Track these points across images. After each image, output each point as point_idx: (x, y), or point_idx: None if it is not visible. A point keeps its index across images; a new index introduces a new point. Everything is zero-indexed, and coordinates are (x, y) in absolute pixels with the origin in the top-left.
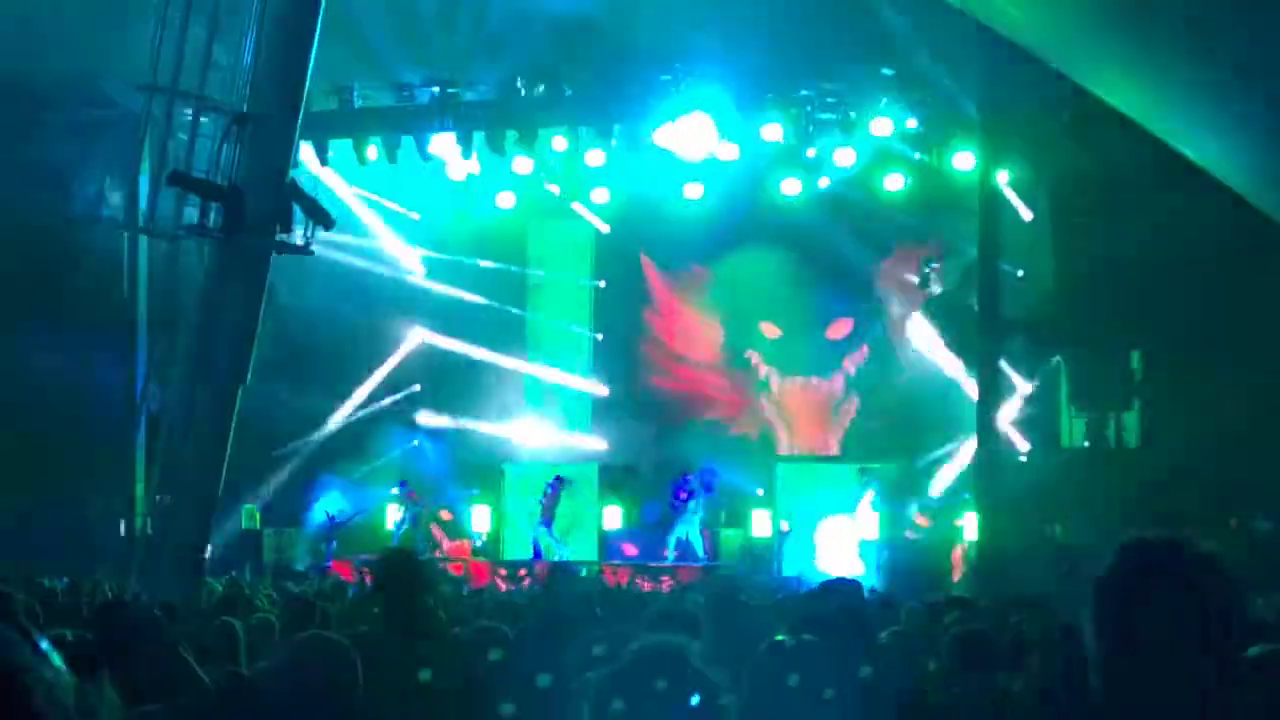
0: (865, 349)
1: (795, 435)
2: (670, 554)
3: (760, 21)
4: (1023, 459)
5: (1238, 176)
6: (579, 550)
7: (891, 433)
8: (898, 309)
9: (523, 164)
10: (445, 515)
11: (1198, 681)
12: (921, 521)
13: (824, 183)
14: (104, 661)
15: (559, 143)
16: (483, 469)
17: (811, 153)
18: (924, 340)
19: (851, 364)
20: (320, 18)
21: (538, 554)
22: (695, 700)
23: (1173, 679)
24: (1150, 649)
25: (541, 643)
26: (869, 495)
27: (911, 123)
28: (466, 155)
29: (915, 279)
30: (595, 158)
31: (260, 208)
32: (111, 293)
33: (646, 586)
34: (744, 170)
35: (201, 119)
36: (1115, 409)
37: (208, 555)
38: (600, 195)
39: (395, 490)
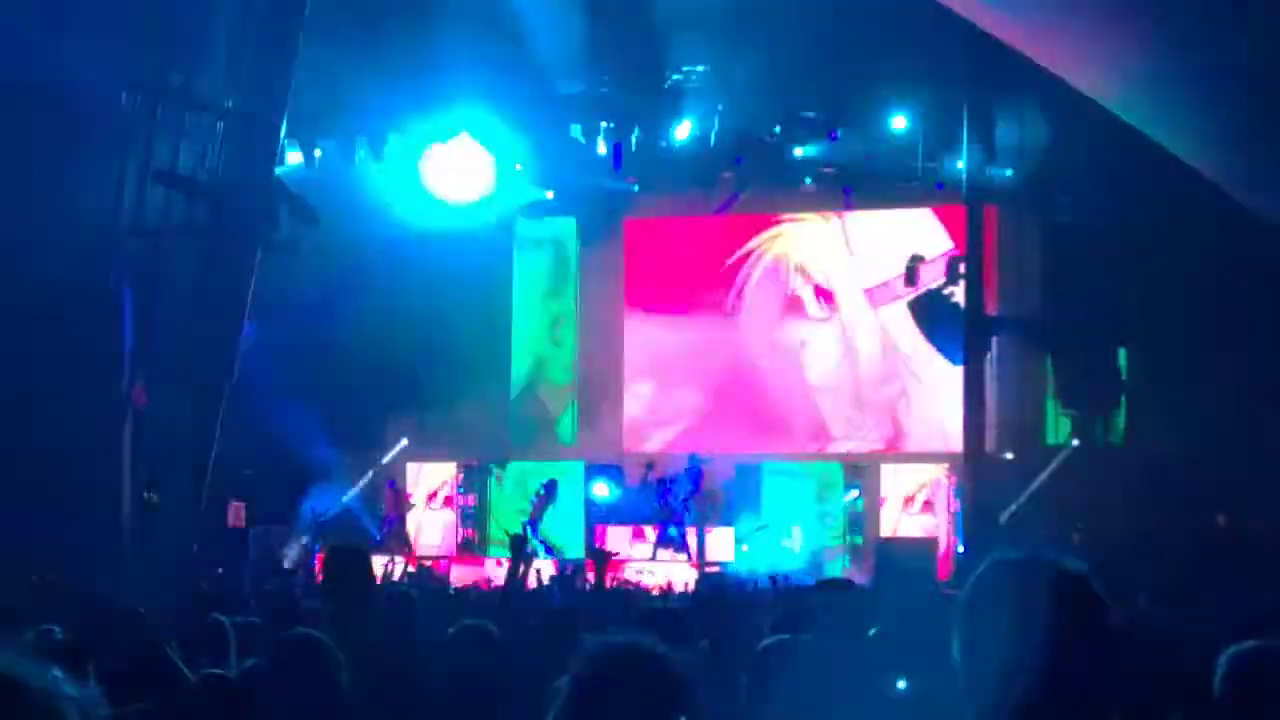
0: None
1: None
2: (660, 553)
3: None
4: (1008, 457)
5: (1225, 174)
6: (566, 549)
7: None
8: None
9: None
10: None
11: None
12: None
13: (809, 178)
14: (89, 659)
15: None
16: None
17: (799, 151)
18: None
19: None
20: (305, 14)
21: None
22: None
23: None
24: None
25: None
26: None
27: (899, 121)
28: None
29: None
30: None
31: (246, 206)
32: (96, 291)
33: (636, 585)
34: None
35: (186, 117)
36: (1102, 407)
37: (194, 553)
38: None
39: (387, 489)
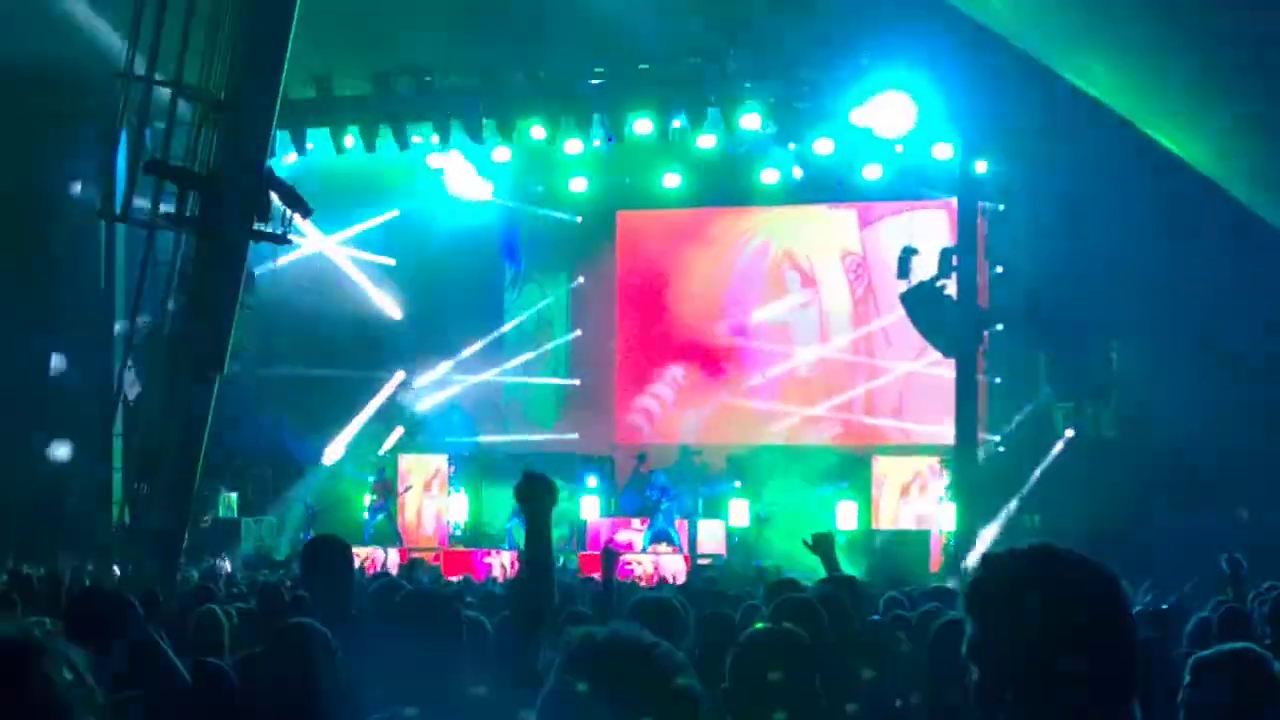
0: None
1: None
2: (649, 546)
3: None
4: (1000, 449)
5: (1216, 167)
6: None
7: None
8: None
9: (501, 153)
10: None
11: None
12: None
13: (798, 172)
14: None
15: (537, 132)
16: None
17: (792, 146)
18: None
19: None
20: (298, 4)
21: (512, 545)
22: None
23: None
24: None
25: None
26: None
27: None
28: (444, 145)
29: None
30: (574, 147)
31: (237, 196)
32: (88, 281)
33: (626, 577)
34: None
35: (178, 107)
36: (1094, 399)
37: (185, 544)
38: (578, 184)
39: (371, 480)
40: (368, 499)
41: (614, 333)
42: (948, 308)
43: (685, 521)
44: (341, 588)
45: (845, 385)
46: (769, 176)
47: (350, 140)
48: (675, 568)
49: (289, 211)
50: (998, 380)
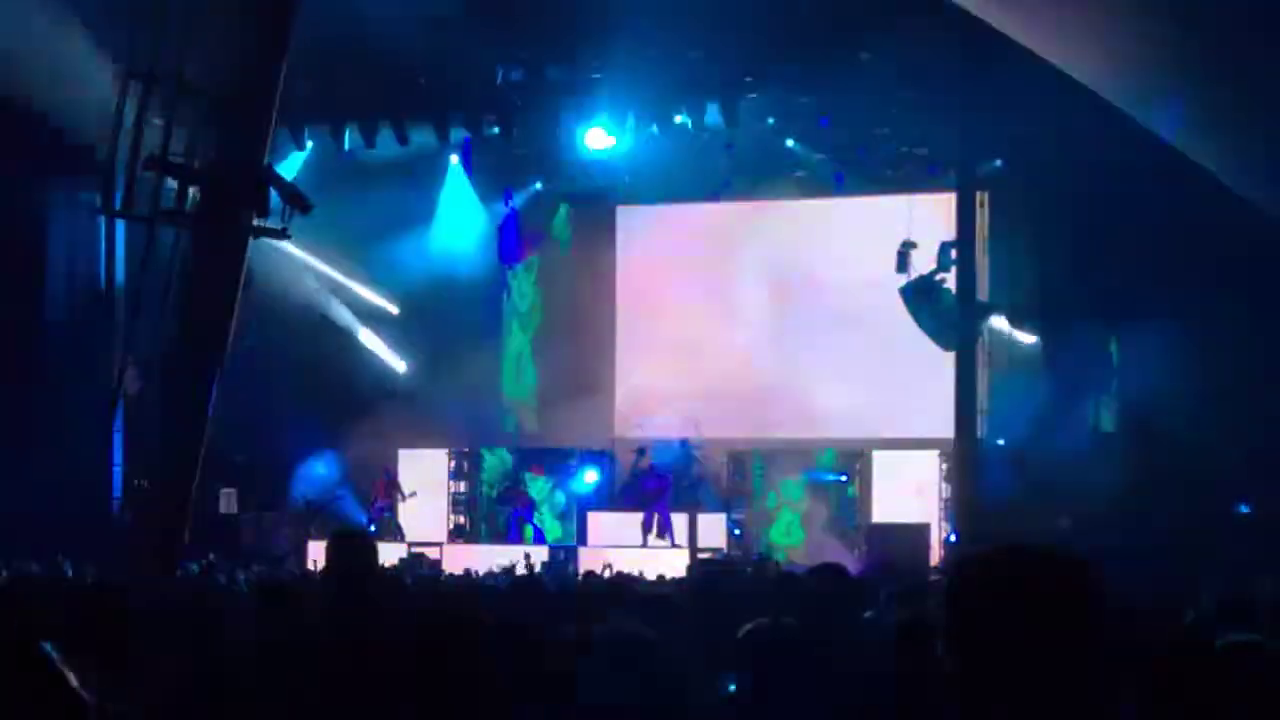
0: None
1: None
2: (650, 539)
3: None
4: (1000, 443)
5: (1219, 162)
6: (557, 535)
7: None
8: None
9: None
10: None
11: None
12: None
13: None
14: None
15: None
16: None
17: (790, 142)
18: None
19: None
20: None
21: (515, 539)
22: None
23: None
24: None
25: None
26: None
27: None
28: (444, 142)
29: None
30: (574, 142)
31: (238, 192)
32: (88, 277)
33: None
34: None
35: (178, 102)
36: (1093, 392)
37: (185, 539)
38: (577, 179)
39: (383, 478)
40: (373, 494)
41: (613, 327)
42: (946, 301)
43: (686, 515)
44: (365, 581)
45: (845, 379)
46: (771, 170)
47: (349, 137)
48: (671, 563)
49: (289, 207)
50: (997, 374)
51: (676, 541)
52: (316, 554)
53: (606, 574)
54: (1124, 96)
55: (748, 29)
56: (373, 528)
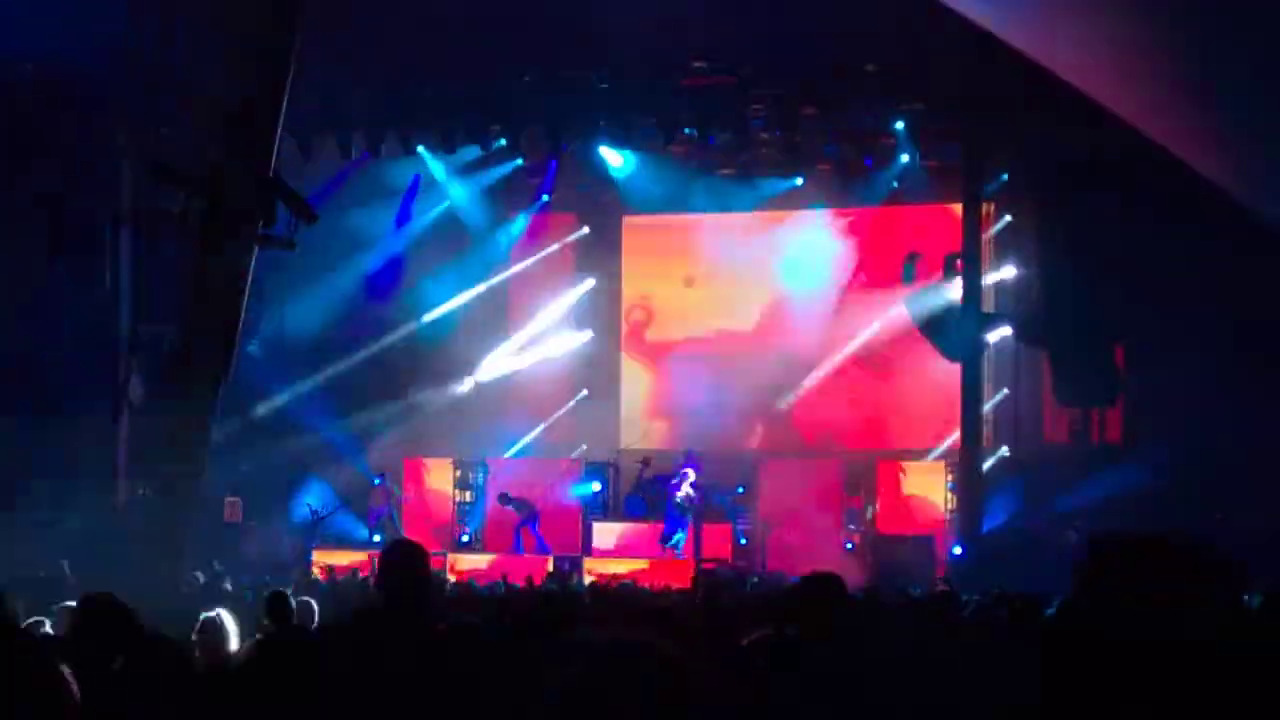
0: None
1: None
2: (669, 548)
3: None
4: (1006, 453)
5: (1223, 175)
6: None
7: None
8: None
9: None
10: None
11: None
12: None
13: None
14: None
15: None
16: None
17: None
18: None
19: None
20: (303, 7)
21: (518, 549)
22: None
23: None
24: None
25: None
26: None
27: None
28: (449, 150)
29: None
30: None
31: (242, 201)
32: (94, 284)
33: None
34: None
35: (185, 110)
36: (1099, 404)
37: (189, 548)
38: (582, 192)
39: (385, 486)
40: (371, 502)
41: (618, 337)
42: (952, 312)
43: (691, 526)
44: (419, 594)
45: (852, 391)
46: (776, 182)
47: (355, 146)
48: (676, 573)
49: (294, 217)
50: (1003, 386)
51: (681, 552)
52: (319, 563)
53: (611, 584)
54: (1131, 110)
55: (754, 40)
56: (375, 536)
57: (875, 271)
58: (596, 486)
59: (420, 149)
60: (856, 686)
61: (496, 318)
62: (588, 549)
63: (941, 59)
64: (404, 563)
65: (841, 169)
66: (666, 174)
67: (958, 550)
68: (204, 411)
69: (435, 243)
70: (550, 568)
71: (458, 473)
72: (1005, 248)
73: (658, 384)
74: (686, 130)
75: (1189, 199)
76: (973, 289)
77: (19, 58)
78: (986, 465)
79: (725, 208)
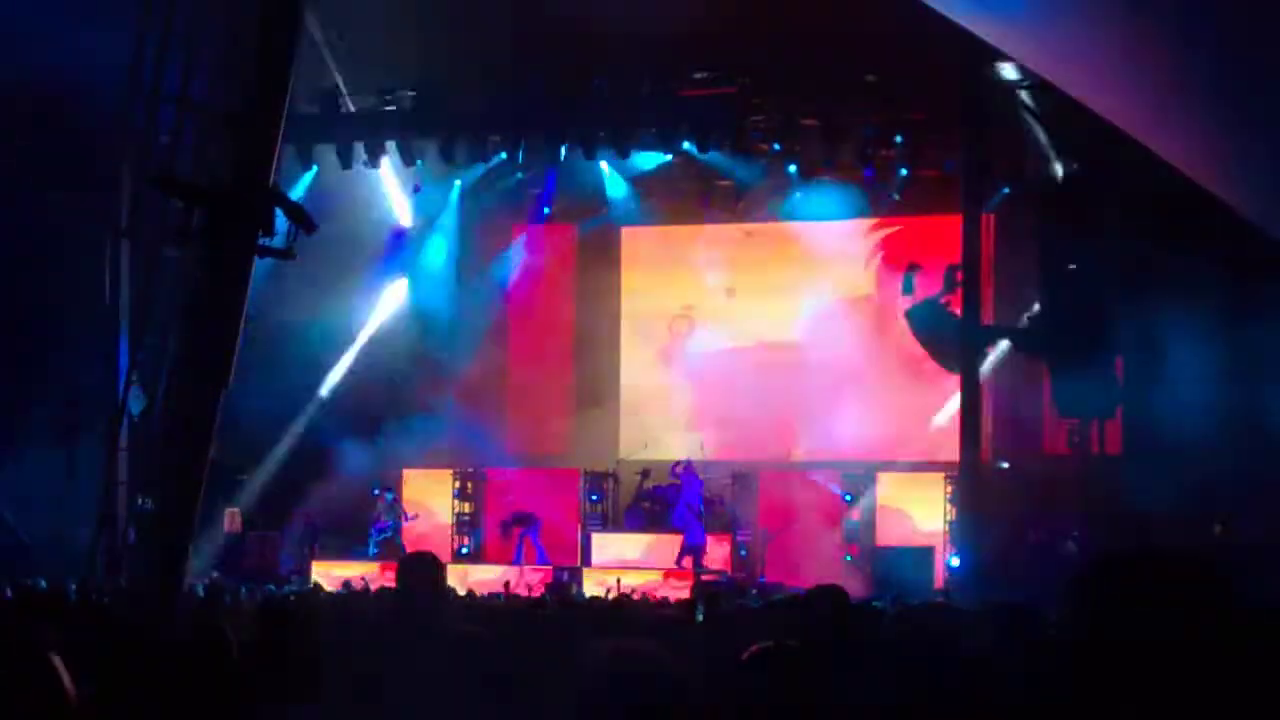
0: None
1: None
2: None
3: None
4: (1004, 465)
5: (1222, 186)
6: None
7: None
8: None
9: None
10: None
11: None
12: None
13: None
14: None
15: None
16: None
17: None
18: None
19: None
20: (303, 18)
21: (518, 560)
22: None
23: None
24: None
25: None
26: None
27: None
28: (447, 162)
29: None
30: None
31: (244, 212)
32: (94, 295)
33: (626, 592)
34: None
35: (185, 121)
36: (1099, 416)
37: (190, 559)
38: (577, 201)
39: (385, 498)
40: (372, 515)
41: (617, 349)
42: (952, 324)
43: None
44: (433, 604)
45: (851, 401)
46: (776, 193)
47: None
48: (675, 585)
49: (294, 227)
50: (1002, 397)
51: (679, 562)
52: (319, 575)
53: (611, 595)
54: (1129, 119)
55: (753, 53)
56: (374, 548)
57: (874, 281)
58: (596, 498)
59: (419, 162)
60: (856, 699)
61: (495, 328)
62: (587, 560)
63: (942, 71)
64: (423, 572)
65: (842, 180)
66: (666, 185)
67: (956, 562)
68: (204, 422)
69: (434, 252)
70: (550, 578)
71: (457, 483)
72: (1005, 260)
73: (655, 394)
74: (685, 143)
75: (1190, 212)
76: (973, 301)
77: (19, 69)
78: (984, 476)
79: (724, 219)
